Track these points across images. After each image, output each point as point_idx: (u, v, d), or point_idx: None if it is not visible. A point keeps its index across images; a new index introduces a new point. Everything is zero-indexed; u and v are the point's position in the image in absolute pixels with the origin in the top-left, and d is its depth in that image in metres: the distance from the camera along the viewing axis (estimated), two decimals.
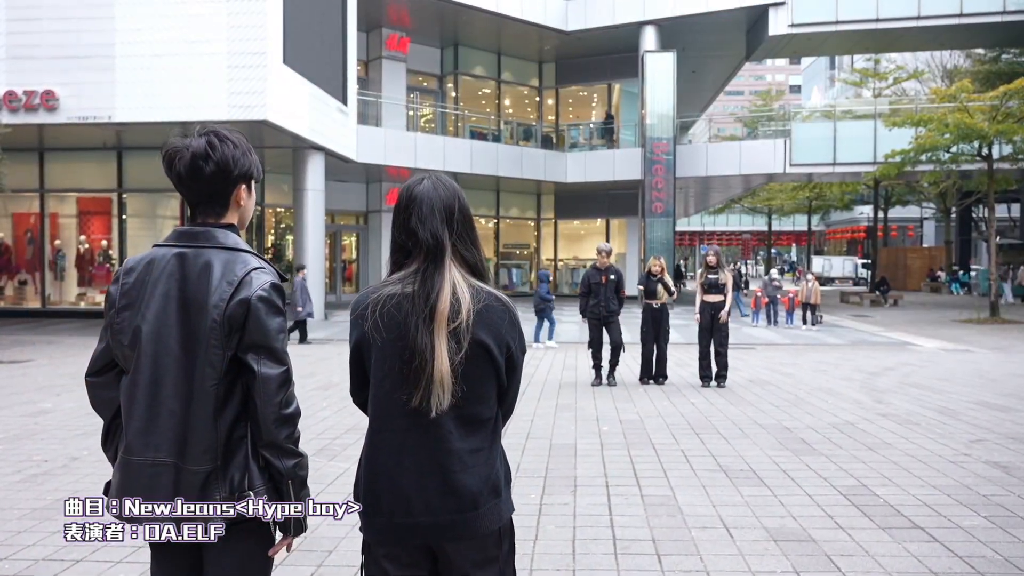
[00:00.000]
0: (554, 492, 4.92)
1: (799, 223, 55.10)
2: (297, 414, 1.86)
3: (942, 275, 35.96)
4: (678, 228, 62.83)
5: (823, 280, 39.70)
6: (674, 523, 4.32)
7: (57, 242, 19.20)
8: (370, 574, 1.83)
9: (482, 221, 29.68)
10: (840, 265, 48.78)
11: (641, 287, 9.80)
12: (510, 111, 29.22)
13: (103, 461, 5.70)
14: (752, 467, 5.54)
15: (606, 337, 9.41)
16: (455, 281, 1.77)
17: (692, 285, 20.27)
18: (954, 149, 19.96)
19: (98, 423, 2.02)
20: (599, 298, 9.31)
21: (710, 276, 9.49)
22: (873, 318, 20.62)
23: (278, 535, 1.89)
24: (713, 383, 9.32)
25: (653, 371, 9.56)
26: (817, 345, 14.25)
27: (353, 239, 27.53)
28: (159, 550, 1.90)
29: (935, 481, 5.17)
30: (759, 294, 18.74)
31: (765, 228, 54.27)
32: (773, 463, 5.66)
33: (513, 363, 1.86)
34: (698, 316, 9.45)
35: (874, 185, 29.58)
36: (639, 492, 4.92)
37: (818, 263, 47.25)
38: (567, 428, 6.89)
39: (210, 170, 1.87)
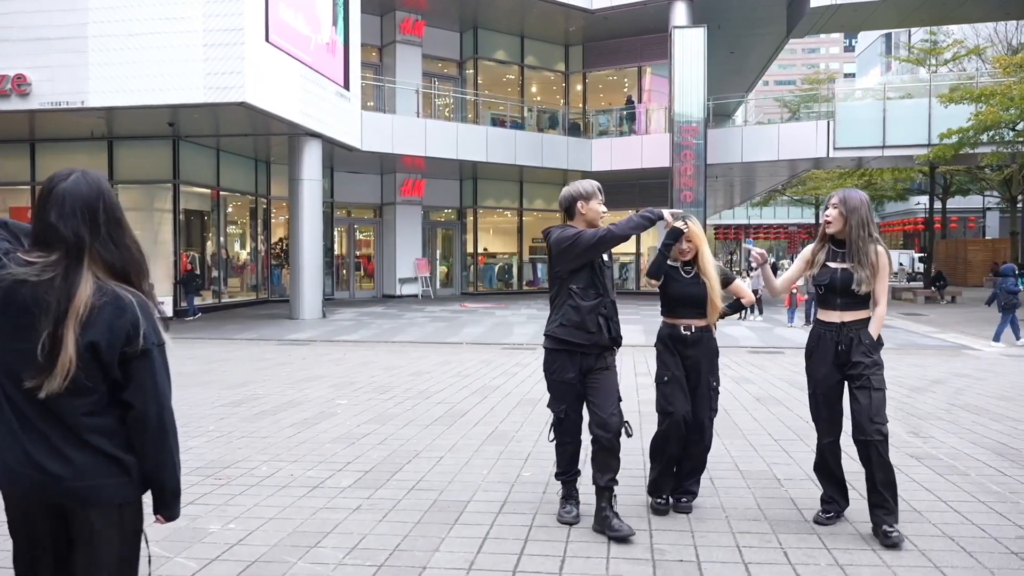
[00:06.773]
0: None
1: None
2: None
3: None
4: (721, 221, 60.88)
5: None
6: None
7: None
8: None
9: (506, 214, 28.34)
10: (895, 259, 46.06)
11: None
12: (537, 98, 27.80)
13: None
14: None
15: None
16: (88, 280, 1.84)
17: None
18: (1020, 126, 17.84)
19: None
20: None
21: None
22: (927, 317, 18.60)
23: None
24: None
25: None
26: None
27: (371, 232, 26.42)
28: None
29: None
30: (794, 290, 16.93)
31: (812, 220, 51.71)
32: None
33: (134, 361, 1.88)
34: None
35: (930, 172, 27.21)
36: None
37: None
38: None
39: None
